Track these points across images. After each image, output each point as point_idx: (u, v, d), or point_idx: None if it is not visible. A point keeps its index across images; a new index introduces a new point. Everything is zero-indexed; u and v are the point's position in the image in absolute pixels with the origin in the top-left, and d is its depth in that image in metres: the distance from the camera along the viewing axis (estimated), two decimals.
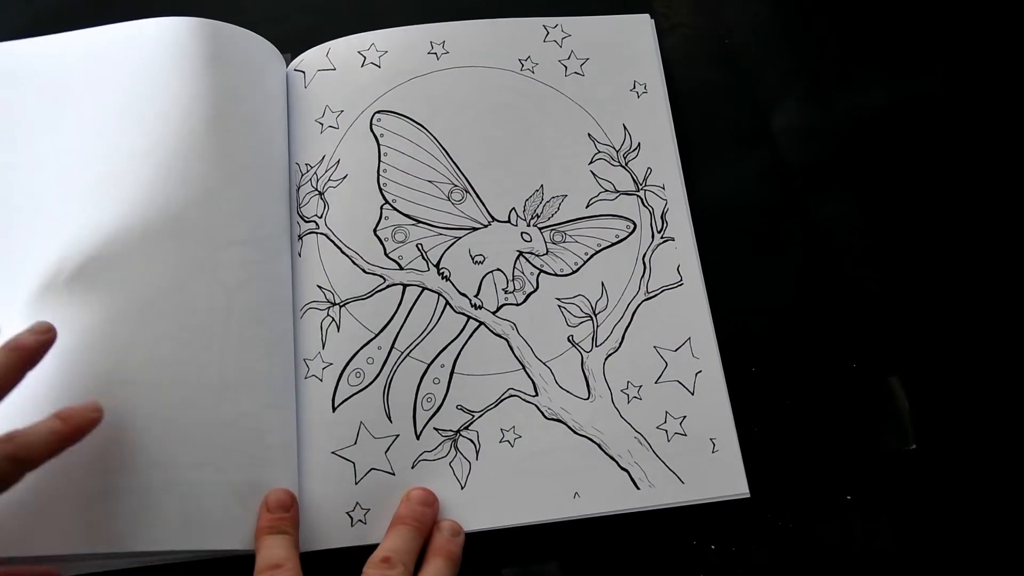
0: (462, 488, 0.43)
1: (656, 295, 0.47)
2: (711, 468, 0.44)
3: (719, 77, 0.54)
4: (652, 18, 0.54)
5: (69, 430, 0.37)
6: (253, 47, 0.49)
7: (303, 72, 0.51)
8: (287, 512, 0.41)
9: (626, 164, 0.50)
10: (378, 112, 0.50)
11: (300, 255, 0.47)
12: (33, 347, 0.38)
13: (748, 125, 0.53)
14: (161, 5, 0.51)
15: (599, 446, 0.44)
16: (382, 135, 0.49)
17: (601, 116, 0.51)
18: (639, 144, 0.50)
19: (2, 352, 0.37)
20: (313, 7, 0.55)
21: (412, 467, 0.43)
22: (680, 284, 0.47)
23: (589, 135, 0.51)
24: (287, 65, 0.51)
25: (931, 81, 0.54)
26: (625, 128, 0.51)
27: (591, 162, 0.50)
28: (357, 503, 0.42)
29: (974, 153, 0.52)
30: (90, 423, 0.38)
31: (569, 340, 0.46)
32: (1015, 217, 0.51)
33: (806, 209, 0.51)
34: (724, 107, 0.53)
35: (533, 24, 0.53)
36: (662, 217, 0.49)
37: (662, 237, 0.49)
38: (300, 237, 0.47)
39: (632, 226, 0.49)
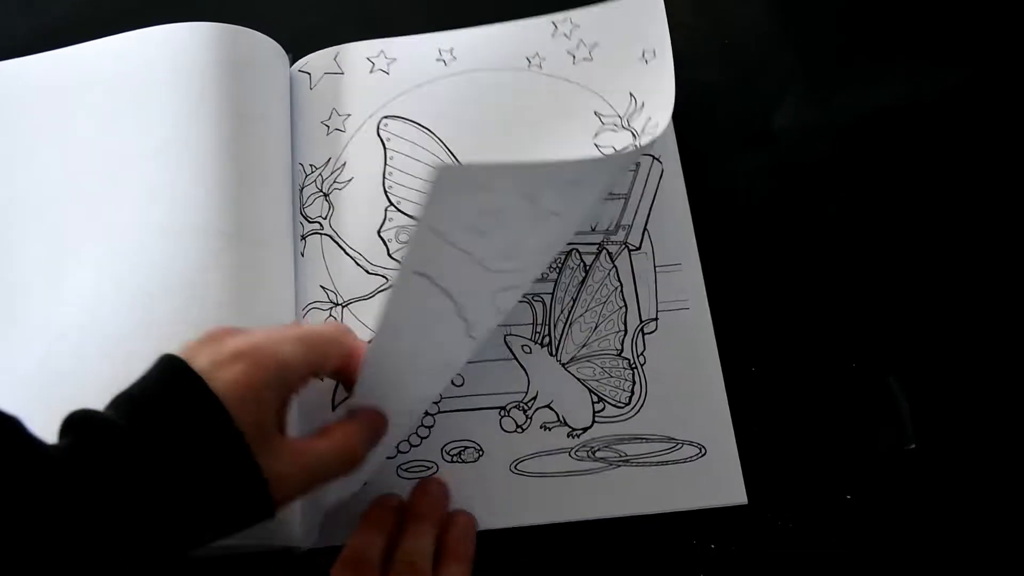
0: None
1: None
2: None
3: (719, 77, 0.54)
4: None
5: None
6: (258, 46, 0.50)
7: (308, 74, 0.51)
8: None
9: (629, 124, 0.50)
10: (385, 117, 0.50)
11: (303, 255, 0.48)
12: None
13: (748, 125, 0.53)
14: (163, 5, 0.52)
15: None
16: (389, 139, 0.50)
17: (609, 90, 0.51)
18: (643, 104, 0.50)
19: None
20: (313, 7, 0.55)
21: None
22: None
23: (595, 112, 0.50)
24: (290, 65, 0.52)
25: (931, 81, 0.54)
26: (632, 96, 0.51)
27: (595, 135, 0.50)
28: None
29: (974, 153, 0.52)
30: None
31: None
32: (1015, 217, 0.50)
33: (806, 209, 0.50)
34: (724, 107, 0.53)
35: (542, 23, 0.52)
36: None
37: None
38: (303, 237, 0.48)
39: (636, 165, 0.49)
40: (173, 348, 0.33)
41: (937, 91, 0.54)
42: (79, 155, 0.47)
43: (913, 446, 0.45)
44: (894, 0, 0.56)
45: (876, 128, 0.52)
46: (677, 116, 0.50)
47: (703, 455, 0.44)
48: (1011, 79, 0.54)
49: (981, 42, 0.55)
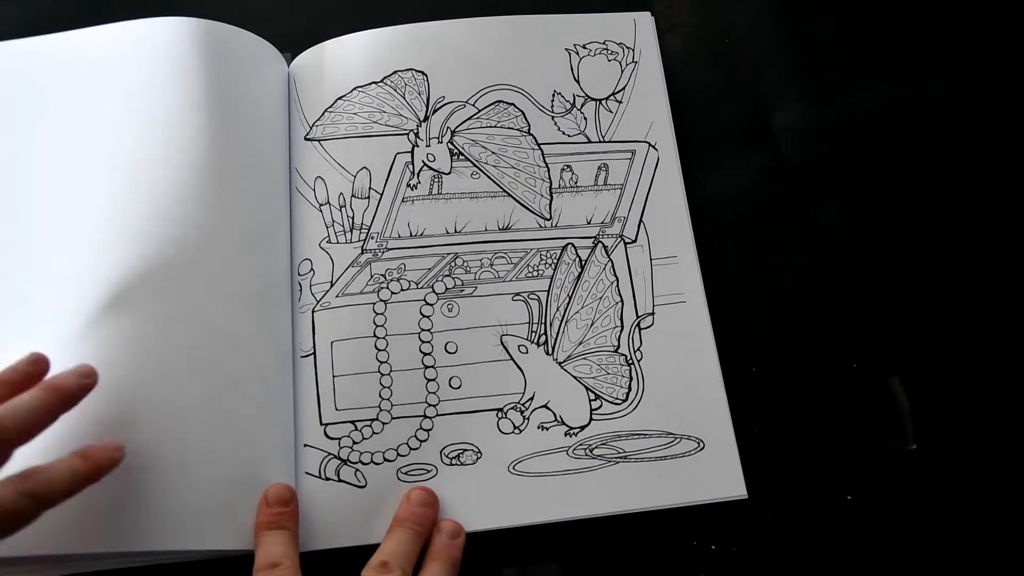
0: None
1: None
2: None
3: (719, 77, 0.54)
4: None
5: (88, 469, 0.35)
6: (252, 48, 0.49)
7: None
8: (286, 507, 0.41)
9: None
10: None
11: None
12: (74, 390, 0.36)
13: (748, 125, 0.53)
14: (160, 4, 0.51)
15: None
16: None
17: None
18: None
19: (40, 391, 0.36)
20: (311, 7, 0.55)
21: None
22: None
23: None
24: (288, 65, 0.51)
25: (931, 81, 0.54)
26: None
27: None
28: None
29: (974, 153, 0.52)
30: (111, 462, 0.36)
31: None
32: (1016, 217, 0.50)
33: (806, 209, 0.50)
34: (724, 107, 0.53)
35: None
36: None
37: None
38: None
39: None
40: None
41: (937, 91, 0.54)
42: (55, 149, 0.46)
43: (914, 447, 0.45)
44: (894, 0, 0.56)
45: (876, 128, 0.53)
46: (677, 115, 0.51)
47: (701, 449, 0.44)
48: (1011, 80, 0.54)
49: (981, 42, 0.55)
